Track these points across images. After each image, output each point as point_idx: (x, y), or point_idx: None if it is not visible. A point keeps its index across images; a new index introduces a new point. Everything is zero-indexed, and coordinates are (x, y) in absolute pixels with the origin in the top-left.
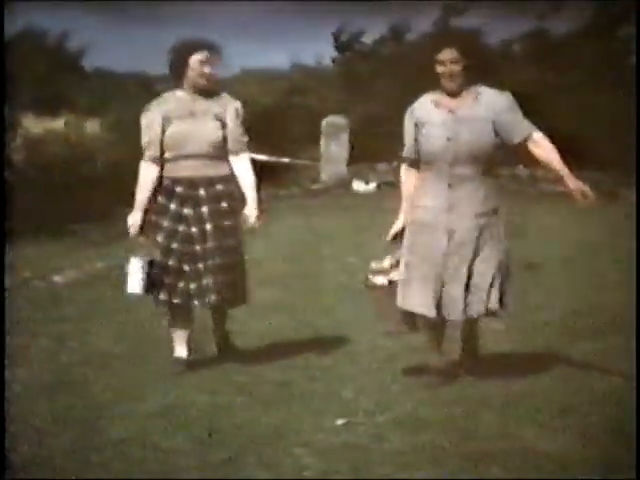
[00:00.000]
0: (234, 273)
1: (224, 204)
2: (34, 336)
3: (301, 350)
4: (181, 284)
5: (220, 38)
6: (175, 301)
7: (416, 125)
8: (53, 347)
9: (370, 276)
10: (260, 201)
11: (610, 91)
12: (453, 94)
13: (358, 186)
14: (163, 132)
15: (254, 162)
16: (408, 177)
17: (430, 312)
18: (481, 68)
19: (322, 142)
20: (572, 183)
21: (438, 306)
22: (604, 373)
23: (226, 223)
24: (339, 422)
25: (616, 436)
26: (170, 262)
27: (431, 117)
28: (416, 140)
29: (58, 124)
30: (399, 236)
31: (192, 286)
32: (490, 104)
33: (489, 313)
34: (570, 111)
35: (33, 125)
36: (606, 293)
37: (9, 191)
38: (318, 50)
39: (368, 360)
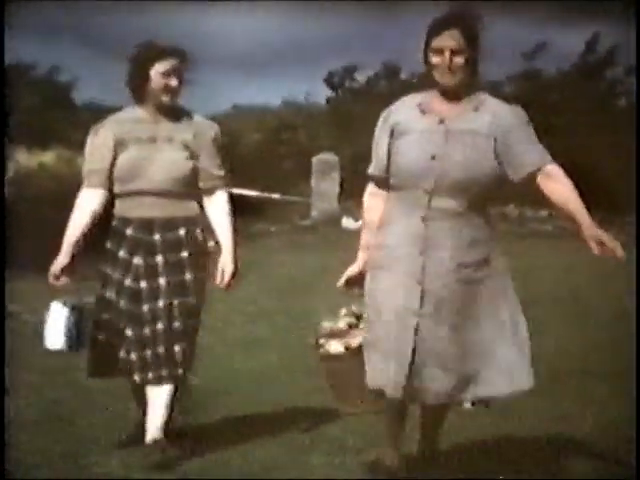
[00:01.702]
0: (190, 341)
1: (184, 253)
2: (21, 370)
3: (287, 386)
4: (122, 353)
5: (212, 74)
6: (115, 373)
7: (392, 134)
8: (40, 381)
9: (322, 341)
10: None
11: (599, 133)
12: (449, 96)
13: (348, 223)
14: (114, 159)
15: (240, 198)
16: (373, 202)
17: (395, 391)
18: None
19: (313, 179)
20: (588, 230)
21: (407, 384)
22: (587, 416)
23: (186, 277)
24: (326, 459)
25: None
26: (116, 323)
27: (413, 126)
28: (389, 154)
29: (49, 158)
30: (356, 282)
31: (133, 356)
32: (495, 118)
33: (482, 401)
34: (559, 152)
35: (24, 158)
36: (595, 333)
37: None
38: (310, 87)
39: None
